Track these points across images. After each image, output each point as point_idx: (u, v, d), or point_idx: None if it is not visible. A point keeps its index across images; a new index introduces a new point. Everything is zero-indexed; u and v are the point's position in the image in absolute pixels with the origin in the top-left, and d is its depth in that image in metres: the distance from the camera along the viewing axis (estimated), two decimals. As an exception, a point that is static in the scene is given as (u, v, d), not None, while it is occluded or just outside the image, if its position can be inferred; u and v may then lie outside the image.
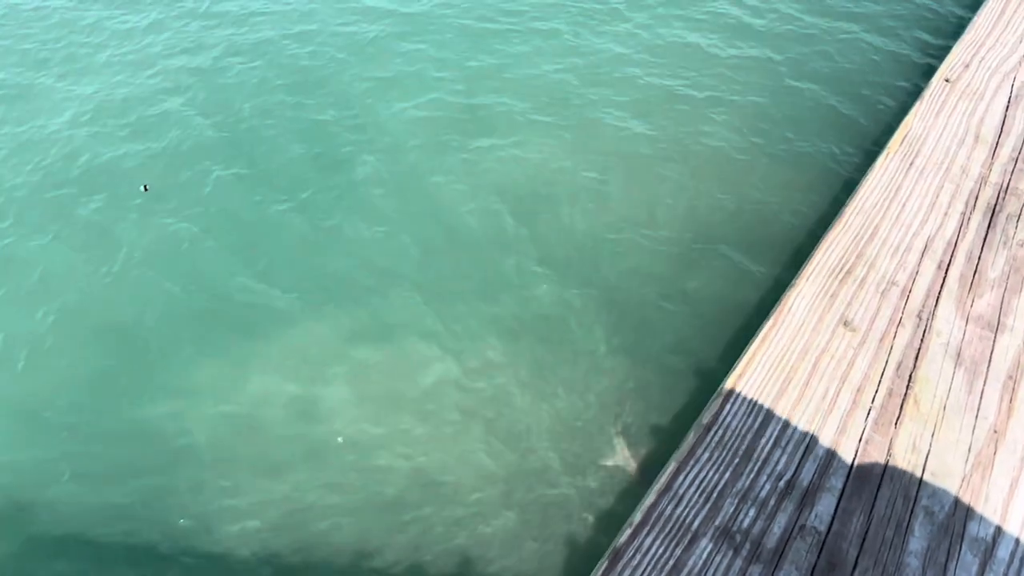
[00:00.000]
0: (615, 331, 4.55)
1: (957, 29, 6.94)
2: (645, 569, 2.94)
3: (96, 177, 5.86)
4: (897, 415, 3.41)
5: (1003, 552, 2.95)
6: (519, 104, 6.45)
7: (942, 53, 6.45)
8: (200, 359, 4.52)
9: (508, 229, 5.27)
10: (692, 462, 3.28)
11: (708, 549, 2.98)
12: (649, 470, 3.84)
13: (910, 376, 3.56)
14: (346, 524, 3.76)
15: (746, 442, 3.34)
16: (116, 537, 3.75)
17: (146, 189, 5.58)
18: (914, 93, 6.11)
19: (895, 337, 3.73)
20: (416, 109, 6.46)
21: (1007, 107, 5.22)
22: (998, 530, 3.01)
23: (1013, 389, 3.50)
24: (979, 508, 3.08)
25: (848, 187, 5.30)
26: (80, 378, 4.44)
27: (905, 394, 3.49)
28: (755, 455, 3.29)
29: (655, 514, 3.12)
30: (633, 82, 6.63)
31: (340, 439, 4.10)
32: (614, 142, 5.99)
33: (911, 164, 4.77)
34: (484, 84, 6.73)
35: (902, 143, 4.94)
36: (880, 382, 3.54)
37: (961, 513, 3.06)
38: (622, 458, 3.93)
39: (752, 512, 3.09)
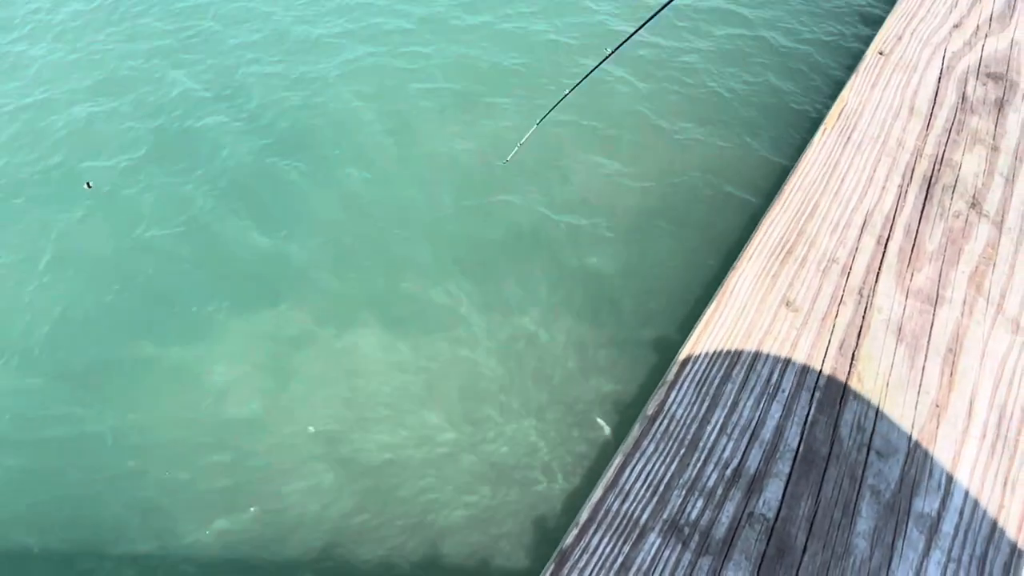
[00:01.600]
0: (567, 318, 4.45)
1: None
2: (593, 569, 2.85)
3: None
4: (841, 394, 3.37)
5: (948, 527, 2.94)
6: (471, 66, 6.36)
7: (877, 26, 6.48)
8: (157, 350, 4.37)
9: (452, 208, 5.18)
10: (638, 455, 3.19)
11: (656, 544, 2.90)
12: (598, 464, 3.76)
13: (853, 354, 3.53)
14: (313, 511, 3.66)
15: (692, 431, 3.27)
16: (74, 533, 3.59)
17: (89, 186, 5.32)
18: (851, 67, 6.13)
19: (837, 315, 3.70)
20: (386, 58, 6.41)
21: (939, 78, 5.25)
22: (942, 505, 3.00)
23: (953, 362, 3.50)
24: (923, 484, 3.06)
25: (788, 166, 5.29)
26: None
27: (848, 373, 3.46)
28: (701, 444, 3.22)
29: (602, 511, 3.02)
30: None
31: (311, 429, 3.96)
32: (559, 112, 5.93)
33: (848, 139, 4.75)
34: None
35: (839, 118, 4.92)
36: (824, 361, 3.51)
37: (906, 491, 3.04)
38: (571, 452, 3.84)
39: (700, 503, 3.02)
